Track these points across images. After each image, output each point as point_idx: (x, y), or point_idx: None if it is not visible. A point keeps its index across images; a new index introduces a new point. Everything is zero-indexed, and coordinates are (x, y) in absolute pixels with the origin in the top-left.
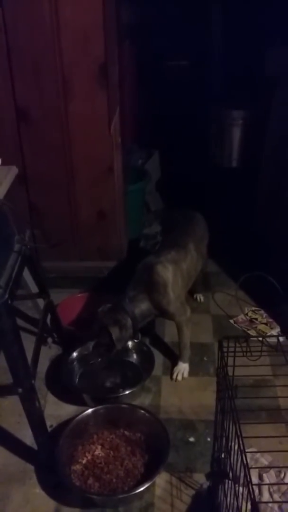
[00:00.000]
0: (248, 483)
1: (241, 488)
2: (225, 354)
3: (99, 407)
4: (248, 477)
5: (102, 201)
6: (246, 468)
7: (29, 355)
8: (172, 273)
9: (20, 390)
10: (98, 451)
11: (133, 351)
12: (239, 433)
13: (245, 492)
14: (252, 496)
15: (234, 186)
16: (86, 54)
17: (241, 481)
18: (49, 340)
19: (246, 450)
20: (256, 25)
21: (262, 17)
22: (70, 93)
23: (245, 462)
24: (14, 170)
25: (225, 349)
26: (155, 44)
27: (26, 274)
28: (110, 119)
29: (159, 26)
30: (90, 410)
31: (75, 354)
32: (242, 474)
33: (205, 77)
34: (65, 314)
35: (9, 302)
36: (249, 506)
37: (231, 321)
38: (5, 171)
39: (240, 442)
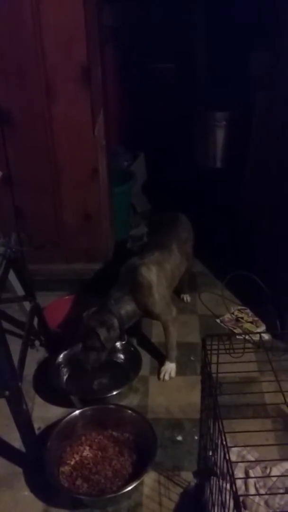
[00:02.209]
0: (230, 477)
1: (225, 484)
2: (209, 352)
3: (87, 408)
4: (231, 471)
5: (87, 203)
6: (229, 462)
7: (16, 358)
8: (156, 274)
9: (6, 392)
10: (86, 452)
11: (120, 351)
12: (221, 429)
13: (229, 488)
14: (235, 490)
15: (219, 186)
16: (68, 57)
17: (227, 477)
18: (37, 343)
19: (232, 447)
20: (240, 26)
21: (245, 19)
22: (53, 96)
23: (227, 457)
24: None
25: (208, 347)
26: (139, 46)
27: (12, 277)
28: (94, 121)
29: (143, 28)
30: (77, 412)
31: (62, 356)
32: (226, 470)
33: (189, 79)
34: (52, 317)
35: None
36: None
37: (218, 320)
38: None
39: (223, 437)
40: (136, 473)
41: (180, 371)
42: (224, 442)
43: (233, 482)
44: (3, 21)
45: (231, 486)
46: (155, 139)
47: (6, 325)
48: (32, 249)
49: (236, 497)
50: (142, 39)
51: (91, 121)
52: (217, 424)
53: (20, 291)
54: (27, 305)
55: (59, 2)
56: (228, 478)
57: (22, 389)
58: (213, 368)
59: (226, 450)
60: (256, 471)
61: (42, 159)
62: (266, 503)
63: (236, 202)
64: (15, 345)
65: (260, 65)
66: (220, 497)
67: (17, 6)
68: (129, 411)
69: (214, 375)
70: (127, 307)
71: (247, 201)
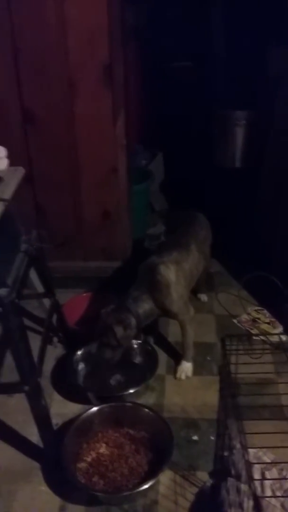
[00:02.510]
0: (249, 478)
1: (243, 485)
2: (228, 352)
3: (104, 405)
4: (250, 472)
5: (106, 201)
6: (248, 464)
7: (35, 354)
8: (175, 273)
9: (26, 388)
10: (103, 449)
11: (137, 350)
12: (241, 430)
13: (247, 489)
14: (254, 491)
15: (237, 186)
16: (91, 55)
17: (243, 478)
18: (55, 339)
19: (249, 448)
20: (258, 24)
21: (264, 16)
22: (76, 94)
23: (246, 458)
24: (21, 171)
25: (227, 347)
26: (159, 45)
27: (32, 274)
28: (115, 120)
29: (163, 27)
30: (95, 409)
31: (80, 353)
32: (244, 471)
33: (209, 78)
34: (70, 314)
35: (16, 301)
36: (251, 503)
37: (235, 320)
38: (13, 172)
39: (242, 438)
40: (152, 472)
41: (196, 371)
42: (243, 443)
43: (252, 483)
44: (27, 21)
45: (250, 487)
46: (173, 138)
47: (25, 321)
48: (53, 247)
49: (256, 498)
50: (160, 38)
51: (112, 119)
52: (236, 425)
53: (40, 288)
54: (46, 301)
55: (83, 1)
56: (246, 479)
57: (41, 384)
58: (231, 368)
59: (245, 451)
60: (272, 473)
61: (63, 157)
62: (282, 505)
63: (255, 202)
64: (33, 341)
65: (280, 63)
66: (238, 498)
67: (41, 5)
68: (146, 410)
69: (232, 376)
70: (145, 306)
71: (266, 201)
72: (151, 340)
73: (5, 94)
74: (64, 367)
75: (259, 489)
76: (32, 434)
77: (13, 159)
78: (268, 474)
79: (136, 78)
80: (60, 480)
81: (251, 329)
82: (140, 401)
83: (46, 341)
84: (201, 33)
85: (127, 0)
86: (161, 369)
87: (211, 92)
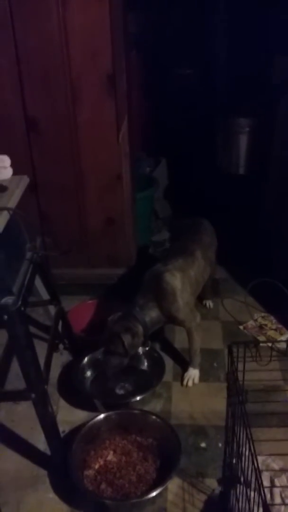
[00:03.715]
0: (259, 486)
1: (252, 493)
2: (235, 359)
3: (111, 412)
4: (260, 480)
5: (111, 208)
6: (257, 471)
7: (42, 361)
8: (180, 281)
9: (33, 395)
10: (110, 457)
11: (144, 357)
12: (249, 437)
13: (257, 496)
14: (264, 499)
15: (242, 193)
16: (94, 65)
17: (253, 485)
18: (61, 346)
19: (257, 455)
20: (263, 32)
21: (268, 24)
22: (79, 103)
23: (256, 465)
24: (25, 180)
25: (235, 354)
26: (161, 52)
27: (38, 282)
28: (119, 128)
29: (165, 34)
30: (102, 416)
31: (86, 360)
32: (253, 478)
33: (212, 85)
34: (76, 321)
35: (22, 309)
36: (261, 510)
37: (241, 327)
38: (17, 181)
39: (251, 445)
40: (160, 479)
41: (203, 378)
42: (252, 450)
43: (262, 491)
44: (30, 31)
45: (259, 495)
46: (177, 145)
47: (31, 328)
48: (58, 254)
49: (265, 505)
50: (163, 45)
51: (115, 127)
52: (245, 432)
53: (45, 295)
54: (51, 309)
55: (86, 11)
56: (256, 486)
57: (48, 392)
58: (239, 375)
59: (254, 458)
60: (281, 480)
61: (67, 165)
62: None
63: (259, 208)
64: (39, 348)
65: (284, 71)
66: (248, 506)
67: (44, 15)
68: (153, 417)
69: (239, 383)
70: (152, 314)
71: (270, 206)
72: (157, 346)
73: (9, 103)
74: (70, 374)
75: (268, 497)
76: (39, 442)
77: (17, 167)
78: (277, 481)
79: (139, 86)
80: (68, 487)
81: (258, 335)
82: (147, 408)
83: (52, 348)
84: (204, 40)
85: (129, 8)
86: (167, 376)
87: (215, 99)
